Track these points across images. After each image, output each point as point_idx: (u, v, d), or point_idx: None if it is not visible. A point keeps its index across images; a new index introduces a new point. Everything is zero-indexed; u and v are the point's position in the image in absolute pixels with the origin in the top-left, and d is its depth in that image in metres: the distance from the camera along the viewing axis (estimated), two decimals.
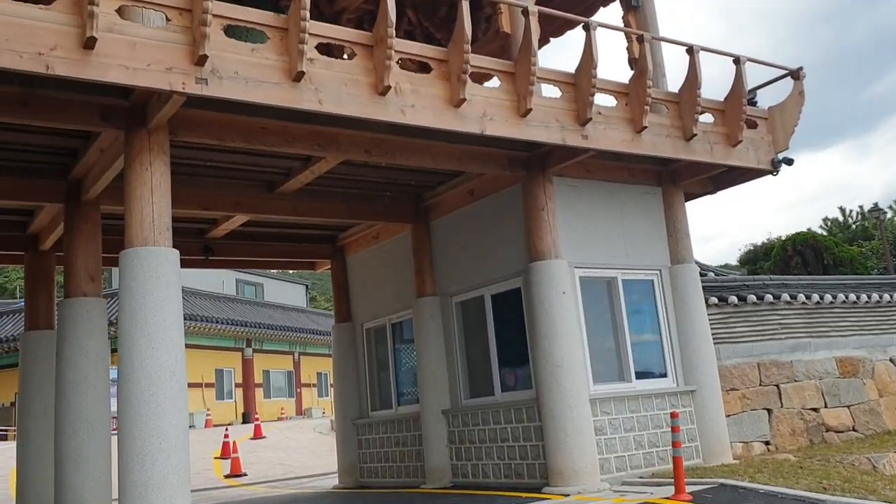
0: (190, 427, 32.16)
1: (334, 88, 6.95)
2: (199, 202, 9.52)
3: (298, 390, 40.61)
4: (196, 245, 11.81)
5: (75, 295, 8.33)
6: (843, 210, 33.85)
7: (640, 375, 9.63)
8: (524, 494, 8.46)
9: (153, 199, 6.69)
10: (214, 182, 9.57)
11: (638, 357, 9.68)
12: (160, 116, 6.64)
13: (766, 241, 37.53)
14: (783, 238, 21.45)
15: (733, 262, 35.42)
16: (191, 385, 33.83)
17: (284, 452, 19.82)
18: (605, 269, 9.68)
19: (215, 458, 19.09)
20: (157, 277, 6.53)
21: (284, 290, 47.22)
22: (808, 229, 24.64)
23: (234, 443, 17.66)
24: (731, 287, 11.45)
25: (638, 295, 9.99)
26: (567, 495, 8.13)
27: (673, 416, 7.64)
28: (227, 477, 16.11)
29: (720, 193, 11.77)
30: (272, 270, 49.14)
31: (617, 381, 9.45)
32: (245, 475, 16.18)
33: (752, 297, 11.25)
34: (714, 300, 10.92)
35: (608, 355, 9.55)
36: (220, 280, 40.68)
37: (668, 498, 7.38)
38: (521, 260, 9.44)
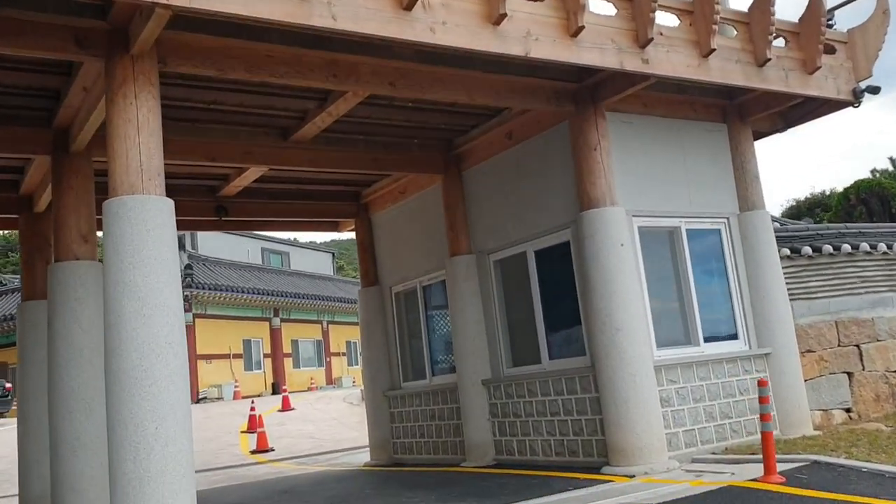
0: (218, 399, 31.75)
1: (350, 1, 5.79)
2: (205, 152, 8.46)
3: (328, 359, 40.01)
4: (208, 205, 10.80)
5: (66, 258, 7.34)
6: (892, 160, 31.98)
7: (709, 338, 8.47)
8: (581, 475, 7.41)
9: (140, 138, 5.62)
10: (222, 129, 8.49)
11: (705, 317, 8.50)
12: (144, 38, 5.53)
13: (809, 195, 35.86)
14: (846, 187, 19.87)
15: None
16: (218, 356, 33.35)
17: (313, 425, 19.01)
18: (666, 217, 8.48)
19: (241, 432, 18.34)
20: (148, 231, 5.49)
21: (311, 259, 46.45)
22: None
23: (260, 416, 16.85)
24: (804, 237, 10.18)
25: (703, 246, 8.79)
26: (632, 476, 7.05)
27: (761, 384, 6.50)
28: (252, 452, 15.30)
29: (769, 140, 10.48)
30: (297, 239, 48.42)
31: (683, 344, 8.30)
32: (272, 450, 15.36)
33: (828, 248, 9.99)
34: (785, 251, 9.68)
35: (672, 316, 8.39)
36: (245, 249, 39.96)
37: (756, 479, 6.26)
38: (569, 210, 8.27)
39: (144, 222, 5.48)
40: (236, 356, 34.39)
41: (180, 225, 11.33)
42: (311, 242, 51.87)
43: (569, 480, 7.24)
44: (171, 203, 5.71)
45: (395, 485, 8.78)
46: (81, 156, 7.55)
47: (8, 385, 23.38)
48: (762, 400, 6.39)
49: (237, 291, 33.39)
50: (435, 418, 10.44)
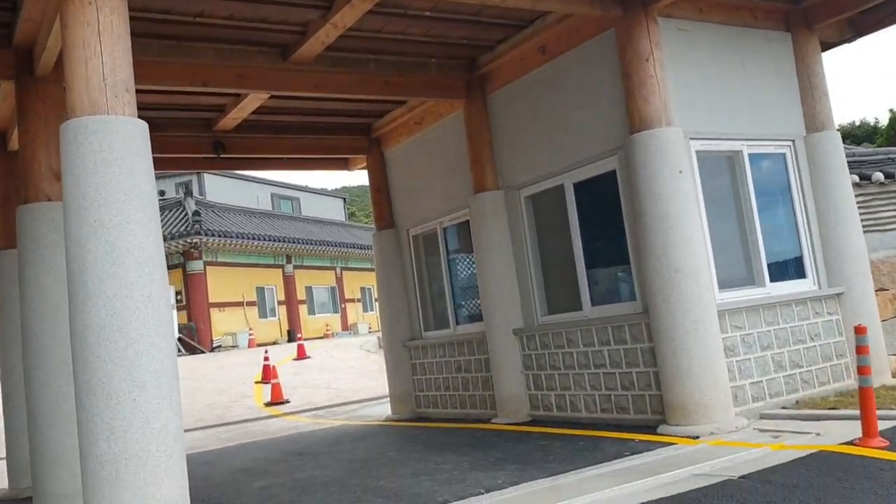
0: (233, 347, 31.20)
1: None
2: (195, 76, 7.37)
3: (343, 306, 39.37)
4: (204, 141, 9.74)
5: (36, 199, 6.35)
6: None
7: (774, 277, 7.42)
8: (636, 436, 6.47)
9: (102, 45, 4.54)
10: (212, 50, 7.37)
11: (770, 253, 7.45)
12: None
13: (837, 127, 34.26)
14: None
15: None
16: (232, 304, 32.71)
17: (330, 374, 18.25)
18: (727, 139, 7.35)
19: (255, 382, 17.62)
20: (115, 160, 4.45)
21: (322, 205, 45.44)
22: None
23: (274, 367, 16.08)
24: (874, 161, 9.05)
25: (767, 173, 7.68)
26: (696, 437, 6.11)
27: (858, 331, 5.47)
28: (267, 405, 14.56)
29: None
30: (308, 185, 47.34)
31: (747, 285, 7.26)
32: (287, 402, 14.60)
33: None
34: (854, 178, 8.57)
35: (734, 253, 7.34)
36: (254, 195, 38.97)
37: (851, 443, 5.29)
38: (616, 133, 7.17)
39: (110, 149, 4.44)
40: (250, 304, 33.75)
41: (174, 163, 10.27)
42: (322, 189, 50.88)
43: (622, 442, 6.31)
44: (143, 126, 4.66)
45: (421, 445, 7.90)
46: (49, 80, 6.48)
47: None
48: (861, 350, 5.38)
49: (248, 238, 32.52)
50: (461, 370, 9.52)
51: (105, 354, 4.25)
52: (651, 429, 6.65)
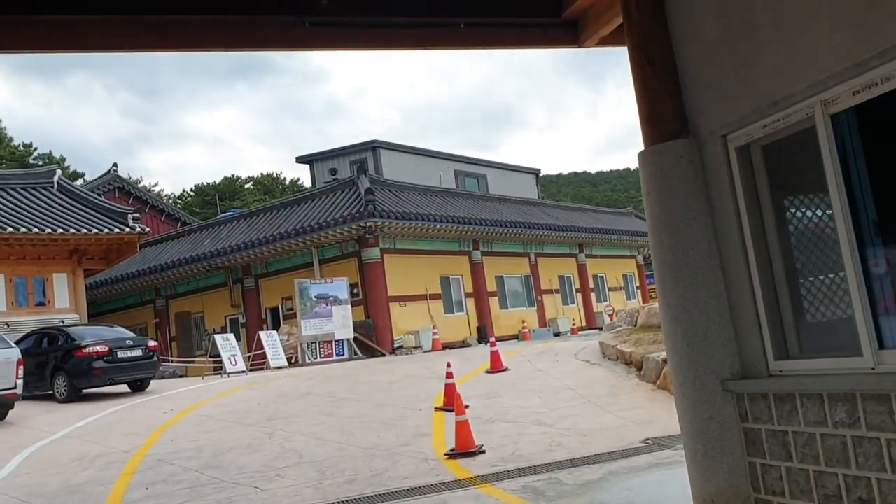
0: (416, 348, 26.62)
1: None
2: None
3: (538, 298, 34.02)
4: None
5: None
6: None
7: None
8: None
9: None
10: None
11: None
12: None
13: None
14: None
15: None
16: (413, 298, 28.37)
17: (539, 398, 12.84)
18: None
19: (436, 409, 12.62)
20: None
21: (511, 181, 40.27)
22: None
23: (458, 394, 10.91)
24: None
25: None
26: None
27: None
28: (449, 456, 9.41)
29: None
30: (495, 161, 42.34)
31: None
32: (481, 452, 9.39)
33: None
34: None
35: None
36: (436, 172, 34.56)
37: None
38: None
39: None
40: (434, 297, 29.32)
41: (228, 38, 5.17)
42: (510, 164, 45.75)
43: None
44: None
45: None
46: None
47: (153, 343, 19.40)
48: None
49: (429, 220, 28.03)
50: None
51: None
52: None
